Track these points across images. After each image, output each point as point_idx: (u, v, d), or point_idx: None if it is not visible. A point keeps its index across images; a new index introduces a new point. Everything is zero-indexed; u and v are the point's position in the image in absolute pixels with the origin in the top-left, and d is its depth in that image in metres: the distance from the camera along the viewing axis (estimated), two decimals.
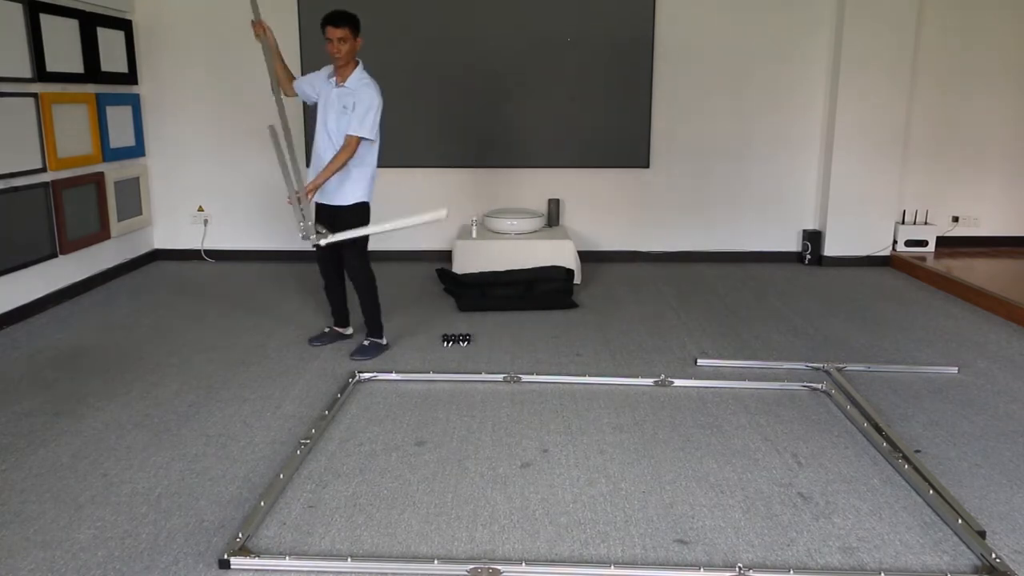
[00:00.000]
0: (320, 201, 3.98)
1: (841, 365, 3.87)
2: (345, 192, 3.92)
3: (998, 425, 3.25)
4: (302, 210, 3.75)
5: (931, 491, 2.64)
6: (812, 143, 6.23)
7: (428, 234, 6.28)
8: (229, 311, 4.88)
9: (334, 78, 3.87)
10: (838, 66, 5.93)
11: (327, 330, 4.29)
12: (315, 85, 3.95)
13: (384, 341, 4.14)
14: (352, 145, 3.77)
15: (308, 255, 6.23)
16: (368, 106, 3.77)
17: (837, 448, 3.03)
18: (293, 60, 5.95)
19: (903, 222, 6.39)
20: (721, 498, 2.65)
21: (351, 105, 3.78)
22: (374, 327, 4.12)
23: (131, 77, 5.88)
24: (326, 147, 3.88)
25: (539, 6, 5.92)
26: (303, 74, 4.22)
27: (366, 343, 4.10)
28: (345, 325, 4.29)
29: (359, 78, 3.84)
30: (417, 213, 3.74)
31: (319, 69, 4.01)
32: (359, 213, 3.96)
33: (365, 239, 3.97)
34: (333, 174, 3.78)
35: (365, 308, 4.09)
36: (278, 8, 5.90)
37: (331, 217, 3.95)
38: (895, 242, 6.29)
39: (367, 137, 3.80)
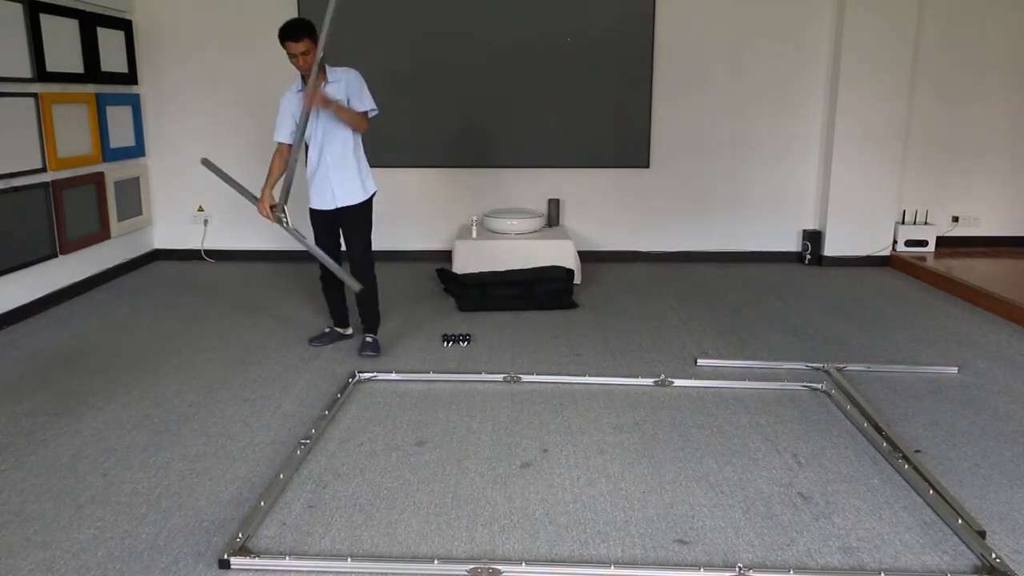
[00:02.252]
0: (322, 208, 3.94)
1: (841, 365, 3.87)
2: (355, 191, 3.92)
3: (998, 425, 3.25)
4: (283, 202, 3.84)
5: (931, 491, 2.63)
6: (812, 143, 6.23)
7: (428, 234, 6.28)
8: (229, 311, 4.88)
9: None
10: (838, 66, 5.93)
11: (327, 330, 4.29)
12: (293, 111, 3.81)
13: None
14: (366, 120, 3.83)
15: (308, 255, 6.23)
16: (362, 84, 3.82)
17: (837, 448, 3.03)
18: None
19: (903, 222, 6.39)
20: (721, 498, 2.65)
21: (344, 96, 3.75)
22: (375, 322, 4.15)
23: (131, 77, 5.88)
24: (329, 150, 3.85)
25: (539, 6, 5.92)
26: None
27: (370, 339, 4.08)
28: (345, 325, 4.29)
29: (338, 71, 3.81)
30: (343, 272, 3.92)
31: (285, 93, 3.86)
32: (369, 207, 4.02)
33: (370, 231, 4.02)
34: (347, 115, 3.75)
35: (369, 303, 4.09)
36: (278, 7, 5.90)
37: (343, 218, 3.94)
38: (895, 242, 6.29)
39: (375, 109, 3.86)
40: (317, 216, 3.99)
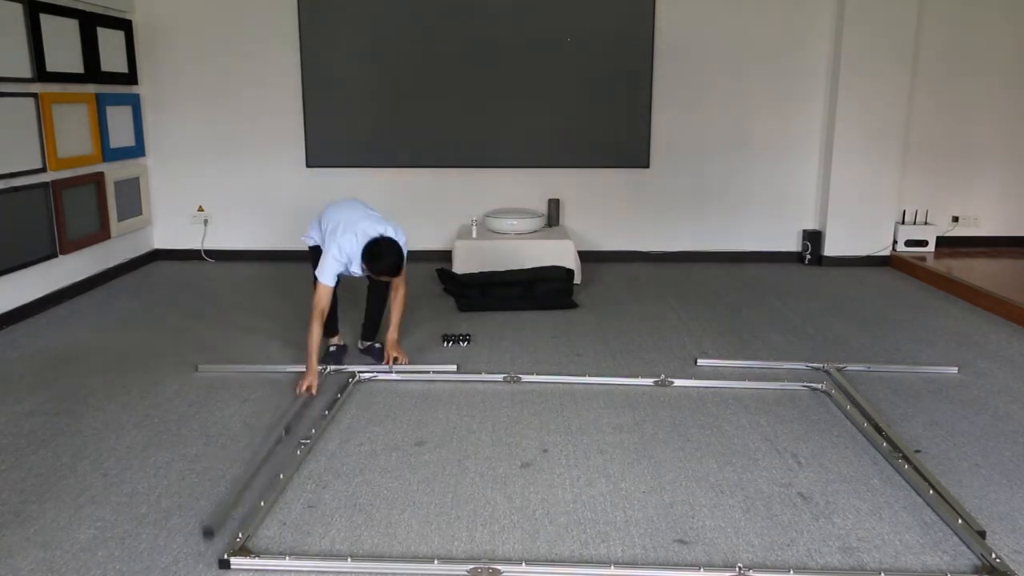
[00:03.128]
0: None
1: (841, 365, 3.87)
2: None
3: (998, 425, 3.25)
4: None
5: (931, 491, 2.64)
6: (812, 143, 6.23)
7: (428, 234, 6.28)
8: (229, 311, 4.88)
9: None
10: (838, 66, 5.93)
11: (333, 348, 3.98)
12: (344, 271, 3.65)
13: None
14: (404, 281, 3.82)
15: (307, 255, 6.22)
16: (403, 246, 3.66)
17: (837, 448, 3.03)
18: (292, 57, 5.97)
19: (903, 222, 6.39)
20: (721, 498, 2.65)
21: None
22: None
23: (131, 77, 5.88)
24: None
25: (539, 6, 5.91)
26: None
27: (379, 345, 3.98)
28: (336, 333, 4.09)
29: None
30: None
31: (341, 260, 3.57)
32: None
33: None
34: (402, 317, 3.88)
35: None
36: (278, 7, 5.91)
37: None
38: (895, 242, 6.29)
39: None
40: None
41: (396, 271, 3.56)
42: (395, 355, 3.83)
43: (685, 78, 6.08)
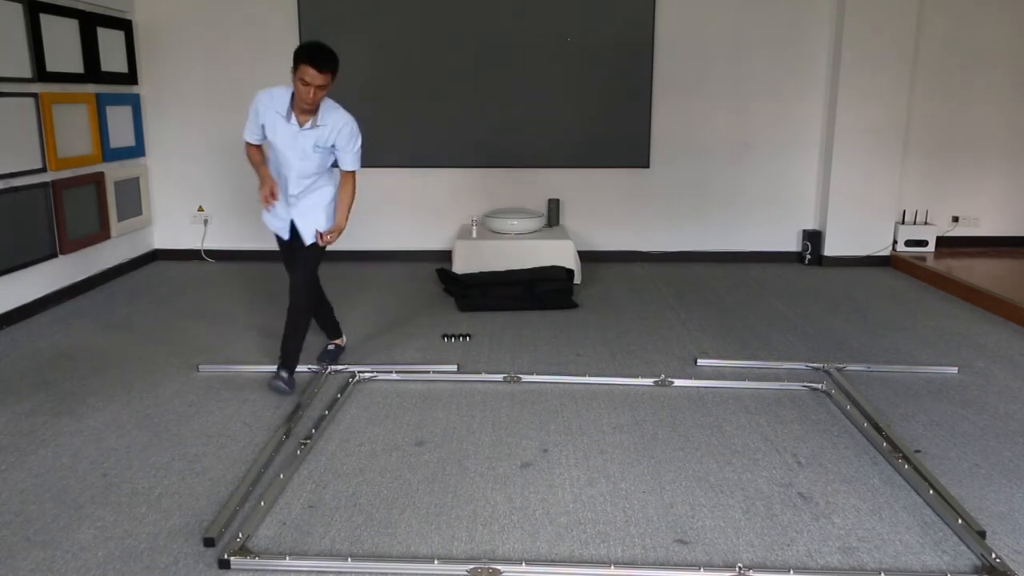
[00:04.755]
0: (278, 234, 3.68)
1: (841, 365, 3.87)
2: (325, 223, 3.58)
3: (998, 425, 3.25)
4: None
5: (931, 491, 2.64)
6: (812, 143, 6.23)
7: (428, 234, 6.28)
8: (229, 311, 4.88)
9: (294, 117, 3.35)
10: (838, 66, 5.93)
11: (331, 347, 4.03)
12: (268, 124, 3.41)
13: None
14: (354, 181, 3.54)
15: None
16: (355, 139, 3.44)
17: (837, 448, 3.03)
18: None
19: (903, 222, 6.39)
20: (721, 498, 2.65)
21: (329, 143, 3.41)
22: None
23: (131, 77, 5.88)
24: (296, 185, 3.49)
25: (539, 6, 5.92)
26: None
27: (331, 347, 4.02)
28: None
29: (333, 114, 3.38)
30: None
31: (263, 100, 3.40)
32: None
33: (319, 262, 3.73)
34: (348, 213, 3.55)
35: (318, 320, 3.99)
36: (278, 7, 5.90)
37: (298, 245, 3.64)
38: (895, 242, 6.29)
39: (359, 169, 3.56)
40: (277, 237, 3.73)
41: (323, 60, 3.15)
42: (329, 236, 3.50)
43: (685, 78, 6.08)
